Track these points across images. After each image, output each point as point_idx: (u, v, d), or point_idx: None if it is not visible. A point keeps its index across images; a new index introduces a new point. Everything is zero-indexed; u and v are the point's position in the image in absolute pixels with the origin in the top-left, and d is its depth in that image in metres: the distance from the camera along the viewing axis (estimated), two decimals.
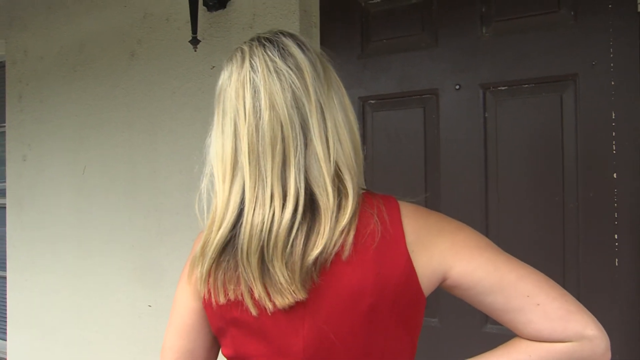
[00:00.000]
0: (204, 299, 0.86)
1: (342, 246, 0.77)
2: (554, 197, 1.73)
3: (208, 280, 0.84)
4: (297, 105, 0.80)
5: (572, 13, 1.70)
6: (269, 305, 0.79)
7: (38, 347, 2.96)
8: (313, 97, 0.81)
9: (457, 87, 1.87)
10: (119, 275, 2.62)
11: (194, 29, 2.21)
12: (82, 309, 2.76)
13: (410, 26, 1.98)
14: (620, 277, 1.63)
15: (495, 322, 1.78)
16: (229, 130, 0.83)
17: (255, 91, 0.81)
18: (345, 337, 0.79)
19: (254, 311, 0.81)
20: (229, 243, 0.81)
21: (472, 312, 1.80)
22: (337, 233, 0.77)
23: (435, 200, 1.89)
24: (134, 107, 2.57)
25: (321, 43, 2.13)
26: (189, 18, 2.21)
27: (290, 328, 0.81)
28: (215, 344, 0.94)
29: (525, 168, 1.77)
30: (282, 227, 0.77)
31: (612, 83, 1.64)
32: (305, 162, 0.79)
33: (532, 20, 1.76)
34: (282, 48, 0.83)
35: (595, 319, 0.76)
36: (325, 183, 0.79)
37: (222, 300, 0.83)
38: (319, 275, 0.77)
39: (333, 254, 0.77)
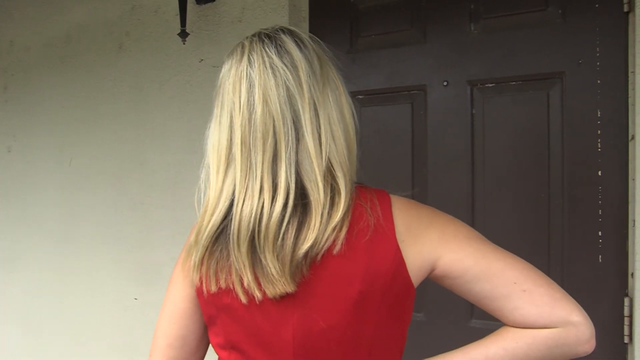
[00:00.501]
0: (197, 286, 0.88)
1: (334, 241, 0.78)
2: (539, 194, 1.75)
3: (200, 269, 0.85)
4: (290, 102, 0.81)
5: (560, 12, 1.72)
6: (258, 294, 0.80)
7: (23, 341, 2.94)
8: (307, 95, 0.82)
9: (445, 83, 1.88)
10: (105, 269, 2.60)
11: (183, 22, 2.20)
12: (68, 303, 2.74)
13: (399, 22, 1.98)
14: (604, 274, 1.66)
15: (480, 317, 1.80)
16: (226, 122, 0.84)
17: (250, 85, 0.82)
18: (335, 326, 0.80)
19: (243, 299, 0.82)
20: (222, 232, 0.83)
21: (457, 306, 1.82)
22: (329, 229, 0.78)
23: (422, 195, 1.90)
24: (122, 99, 2.55)
25: None
26: (178, 10, 2.19)
27: (279, 317, 0.82)
28: (207, 334, 0.94)
29: (511, 164, 1.79)
30: (272, 220, 0.78)
31: (598, 82, 1.66)
32: (296, 157, 0.81)
33: (520, 18, 1.77)
34: (280, 45, 0.84)
35: (580, 306, 0.78)
36: (316, 178, 0.80)
37: (213, 288, 0.84)
38: (309, 268, 0.79)
39: (324, 249, 0.78)
